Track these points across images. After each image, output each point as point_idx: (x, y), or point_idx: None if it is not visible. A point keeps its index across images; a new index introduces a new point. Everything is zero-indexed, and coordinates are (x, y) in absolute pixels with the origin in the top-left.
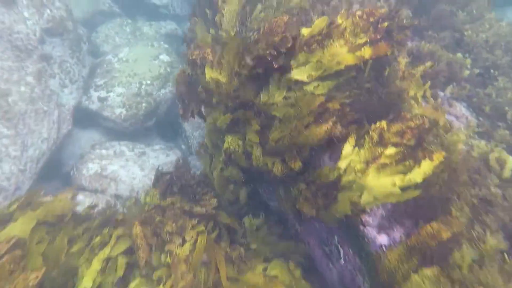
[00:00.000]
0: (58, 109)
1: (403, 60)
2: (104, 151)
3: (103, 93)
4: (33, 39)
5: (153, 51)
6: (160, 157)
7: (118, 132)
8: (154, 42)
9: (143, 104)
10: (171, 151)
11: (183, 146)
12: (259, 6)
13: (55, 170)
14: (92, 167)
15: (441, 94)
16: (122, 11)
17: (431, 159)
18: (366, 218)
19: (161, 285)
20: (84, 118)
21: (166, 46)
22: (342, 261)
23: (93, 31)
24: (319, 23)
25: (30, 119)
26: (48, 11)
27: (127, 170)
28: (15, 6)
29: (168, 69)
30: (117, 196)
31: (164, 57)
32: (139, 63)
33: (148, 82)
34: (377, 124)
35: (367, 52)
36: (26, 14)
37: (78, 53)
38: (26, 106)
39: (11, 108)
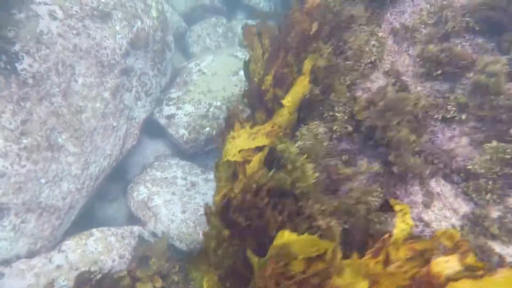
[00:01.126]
0: (127, 124)
1: None
2: (159, 174)
3: (173, 109)
4: (118, 53)
5: (235, 64)
6: (209, 193)
7: (181, 148)
8: (239, 52)
9: (206, 129)
10: None
11: None
12: None
13: (120, 174)
14: (142, 192)
15: None
16: (223, 5)
17: None
18: None
19: None
20: (154, 128)
21: None
22: None
23: (191, 25)
24: None
25: (97, 136)
26: (139, 23)
27: (169, 209)
28: (110, 19)
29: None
30: (153, 234)
31: None
32: (216, 78)
33: (218, 103)
34: None
35: None
36: (118, 27)
37: (159, 64)
38: (97, 123)
39: (82, 126)
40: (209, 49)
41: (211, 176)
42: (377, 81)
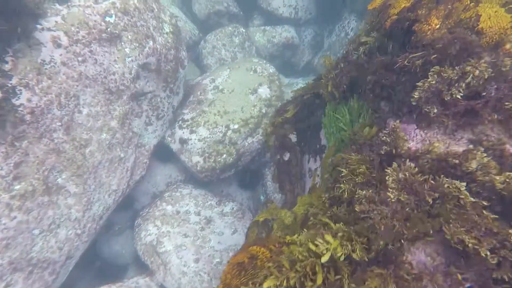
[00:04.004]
0: (136, 152)
1: None
2: (169, 208)
3: (186, 133)
4: (128, 78)
5: (253, 80)
6: (226, 232)
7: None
8: (257, 66)
9: (223, 156)
10: (243, 218)
11: (261, 197)
12: None
13: (128, 203)
14: (151, 232)
15: None
16: (239, 10)
17: None
18: None
19: None
20: (165, 152)
21: (271, 70)
22: None
23: (206, 33)
24: None
25: (102, 170)
26: (150, 43)
27: (180, 257)
28: (119, 41)
29: (264, 110)
30: None
31: (264, 91)
32: (233, 97)
33: (236, 126)
34: None
35: None
36: (128, 50)
37: (172, 84)
38: (102, 156)
39: (86, 162)
40: (225, 60)
41: (227, 208)
42: None
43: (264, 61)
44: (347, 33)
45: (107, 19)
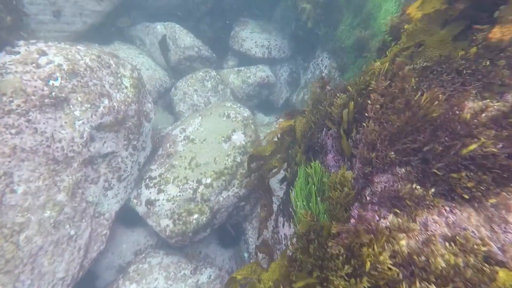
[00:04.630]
0: (92, 224)
1: None
2: (133, 287)
3: (153, 193)
4: (78, 143)
5: (226, 127)
6: None
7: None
8: (231, 111)
9: (195, 216)
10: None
11: (245, 254)
12: None
13: (88, 281)
14: None
15: None
16: (211, 53)
17: None
18: None
19: None
20: (132, 215)
21: (246, 114)
22: None
23: (179, 78)
24: None
25: (44, 257)
26: (106, 102)
27: None
28: (67, 105)
29: (239, 159)
30: None
31: (238, 137)
32: (205, 146)
33: (208, 180)
34: None
35: None
36: (77, 112)
37: (135, 141)
38: (44, 240)
39: (19, 252)
40: (198, 106)
41: (204, 277)
42: None
43: (238, 105)
44: (322, 70)
45: (51, 82)
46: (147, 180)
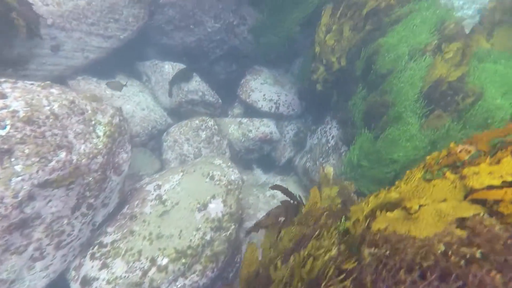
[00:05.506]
0: None
1: None
2: None
3: (94, 269)
4: (8, 203)
5: (206, 190)
6: None
7: None
8: (216, 171)
9: None
10: None
11: None
12: None
13: None
14: None
15: None
16: (217, 99)
17: None
18: None
19: None
20: None
21: (233, 177)
22: None
23: (180, 120)
24: None
25: None
26: (62, 155)
27: None
28: (8, 158)
29: (208, 236)
30: None
31: (216, 207)
32: (175, 214)
33: (165, 261)
34: None
35: None
36: (19, 167)
37: (93, 199)
38: None
39: None
40: (187, 157)
41: None
42: None
43: (229, 164)
44: (328, 140)
45: None
46: (96, 247)
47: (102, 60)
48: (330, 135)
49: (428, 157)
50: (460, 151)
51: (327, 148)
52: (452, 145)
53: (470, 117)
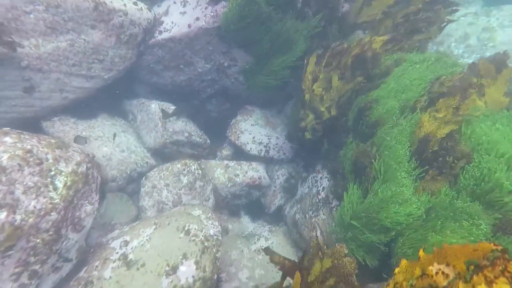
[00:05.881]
0: None
1: None
2: None
3: None
4: None
5: (179, 248)
6: None
7: None
8: (193, 225)
9: None
10: None
11: None
12: None
13: None
14: None
15: None
16: (205, 139)
17: None
18: None
19: None
20: None
21: (211, 232)
22: None
23: (163, 162)
24: None
25: None
26: (2, 215)
27: None
28: None
29: None
30: None
31: (187, 270)
32: (138, 279)
33: None
34: None
35: None
36: None
37: (38, 265)
38: None
39: None
40: (165, 204)
41: None
42: None
43: (209, 215)
44: (318, 191)
45: None
46: None
47: (85, 100)
48: (320, 185)
49: (397, 271)
50: (436, 273)
51: (317, 200)
52: (425, 261)
53: (465, 182)
